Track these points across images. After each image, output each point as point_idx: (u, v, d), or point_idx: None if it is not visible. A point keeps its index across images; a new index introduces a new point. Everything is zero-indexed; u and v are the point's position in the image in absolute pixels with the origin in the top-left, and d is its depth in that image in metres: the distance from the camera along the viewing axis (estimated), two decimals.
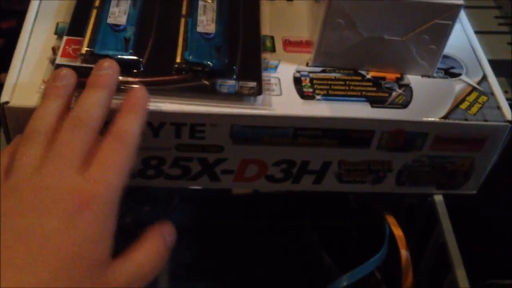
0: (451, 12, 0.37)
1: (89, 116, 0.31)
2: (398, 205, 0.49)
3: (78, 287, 0.27)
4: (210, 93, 0.37)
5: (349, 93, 0.39)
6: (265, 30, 0.42)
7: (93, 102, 0.32)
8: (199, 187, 0.42)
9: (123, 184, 0.30)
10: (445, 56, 0.42)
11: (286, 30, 0.43)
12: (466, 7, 0.67)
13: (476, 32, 0.66)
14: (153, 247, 0.32)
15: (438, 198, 0.44)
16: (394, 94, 0.40)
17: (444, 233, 0.42)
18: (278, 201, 0.50)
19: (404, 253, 0.45)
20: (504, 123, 0.39)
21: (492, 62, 0.63)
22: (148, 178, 0.41)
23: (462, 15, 0.47)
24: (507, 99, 0.60)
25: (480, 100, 0.40)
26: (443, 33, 0.39)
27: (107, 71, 0.34)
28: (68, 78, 0.34)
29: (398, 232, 0.46)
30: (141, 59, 0.37)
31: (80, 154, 0.30)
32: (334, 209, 0.51)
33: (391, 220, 0.47)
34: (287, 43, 0.42)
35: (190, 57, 0.38)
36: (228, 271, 0.54)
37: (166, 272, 0.54)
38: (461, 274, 0.40)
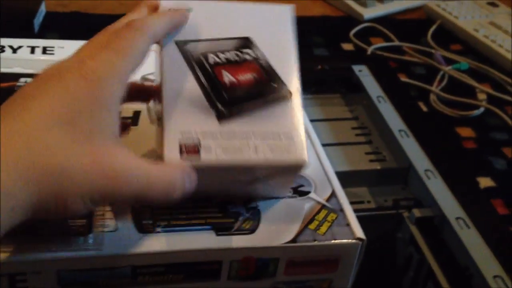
0: None
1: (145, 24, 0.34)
2: None
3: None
4: (29, 235, 0.33)
5: (193, 221, 0.37)
6: None
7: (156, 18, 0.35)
8: None
9: (129, 68, 0.33)
10: None
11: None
12: (324, 120, 0.70)
13: (335, 144, 0.68)
14: (168, 175, 0.33)
15: None
16: (241, 219, 0.37)
17: None
18: None
19: None
20: (354, 241, 0.38)
21: (352, 173, 0.64)
22: None
23: (311, 130, 0.48)
24: (368, 209, 0.61)
25: (329, 218, 0.39)
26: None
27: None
28: None
29: None
30: None
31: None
32: None
33: None
34: None
35: None
36: None
37: None
38: None
